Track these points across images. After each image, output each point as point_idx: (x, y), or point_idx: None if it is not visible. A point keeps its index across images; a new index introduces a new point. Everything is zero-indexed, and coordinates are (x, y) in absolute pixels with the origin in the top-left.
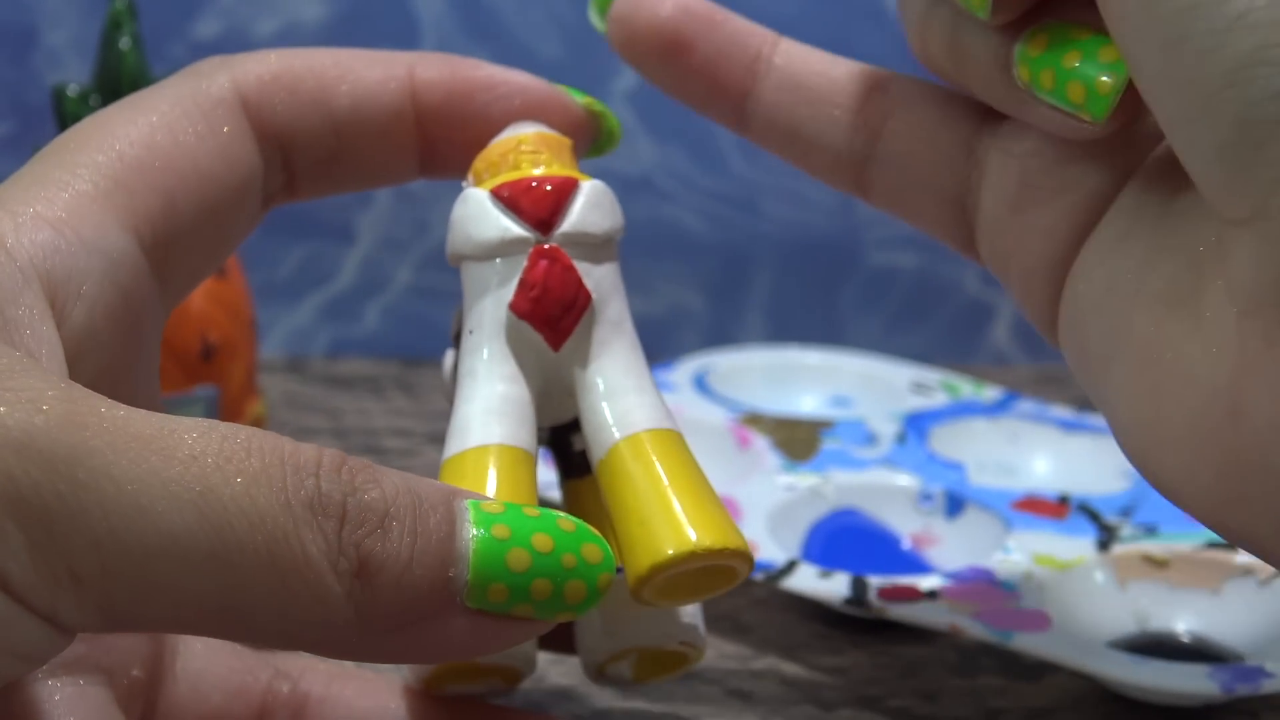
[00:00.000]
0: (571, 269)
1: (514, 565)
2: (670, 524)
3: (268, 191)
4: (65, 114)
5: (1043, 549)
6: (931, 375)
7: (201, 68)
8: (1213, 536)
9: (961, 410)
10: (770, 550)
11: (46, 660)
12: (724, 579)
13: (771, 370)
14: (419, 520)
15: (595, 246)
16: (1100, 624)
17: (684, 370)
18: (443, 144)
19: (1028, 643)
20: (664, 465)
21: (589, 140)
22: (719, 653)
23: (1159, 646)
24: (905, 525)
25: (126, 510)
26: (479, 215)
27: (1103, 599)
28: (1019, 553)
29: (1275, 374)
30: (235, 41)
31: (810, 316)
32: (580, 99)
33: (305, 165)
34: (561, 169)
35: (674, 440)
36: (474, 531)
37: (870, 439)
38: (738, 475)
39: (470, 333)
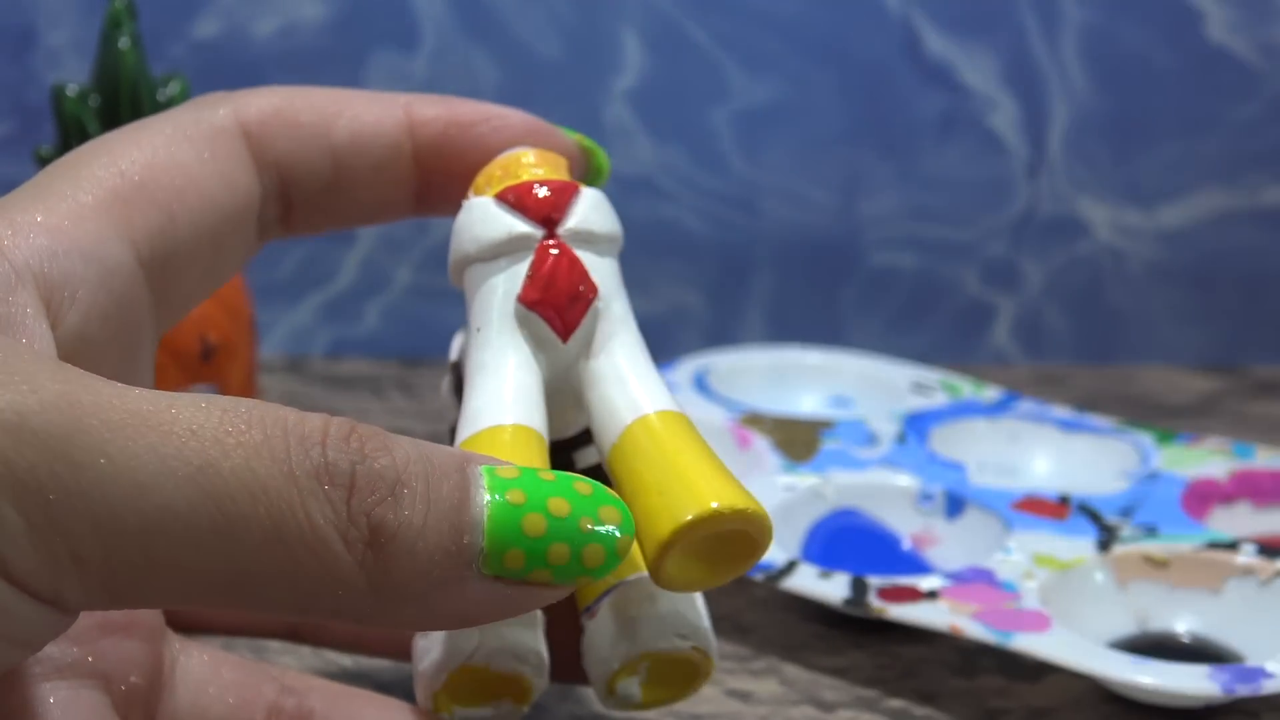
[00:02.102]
0: (577, 261)
1: (530, 531)
2: (689, 489)
3: (264, 221)
4: (64, 114)
5: (1043, 549)
6: (931, 375)
7: (204, 100)
8: (1213, 537)
9: (961, 410)
10: (770, 551)
11: (49, 641)
12: (740, 557)
13: (771, 370)
14: (432, 487)
15: (598, 245)
16: (1100, 624)
17: (684, 370)
18: (439, 178)
19: (1028, 643)
20: (678, 441)
21: (579, 175)
22: (719, 653)
23: (1159, 647)
24: (905, 525)
25: (125, 488)
26: (484, 218)
27: (1103, 599)
28: (1019, 553)
29: None
30: (235, 41)
31: (810, 316)
32: (571, 135)
33: (303, 196)
34: (560, 178)
35: (684, 421)
36: (488, 497)
37: (870, 439)
38: (737, 475)
39: (478, 330)
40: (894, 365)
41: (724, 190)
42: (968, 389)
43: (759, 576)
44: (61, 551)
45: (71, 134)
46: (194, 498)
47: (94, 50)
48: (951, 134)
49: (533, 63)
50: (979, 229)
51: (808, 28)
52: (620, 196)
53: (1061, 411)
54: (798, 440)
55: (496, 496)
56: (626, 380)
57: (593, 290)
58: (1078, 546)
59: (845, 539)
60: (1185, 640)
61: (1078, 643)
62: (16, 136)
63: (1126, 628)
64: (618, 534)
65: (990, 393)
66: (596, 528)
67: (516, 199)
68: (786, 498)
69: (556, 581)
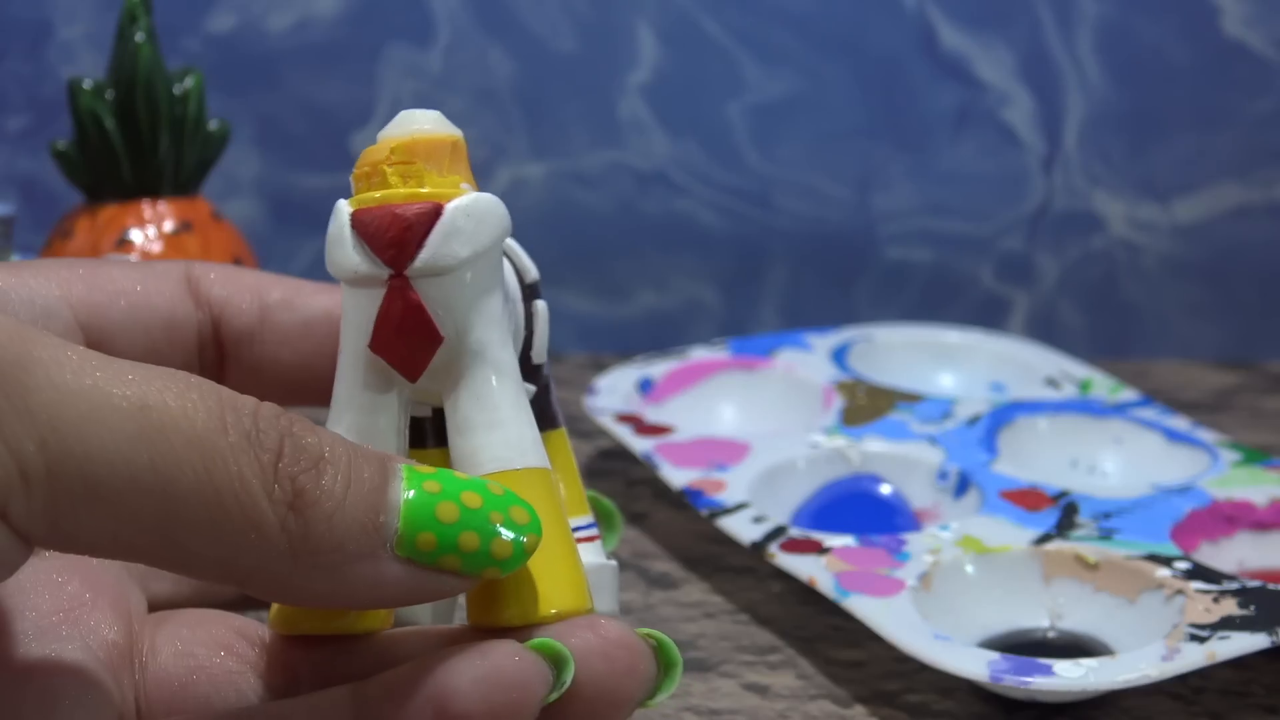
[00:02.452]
0: (420, 309)
1: (443, 517)
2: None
3: (204, 360)
4: (80, 108)
5: (974, 532)
6: (1078, 370)
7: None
8: (1156, 549)
9: (1070, 406)
10: (739, 494)
11: (10, 571)
12: None
13: (925, 348)
14: (354, 469)
15: (454, 276)
16: (1005, 613)
17: (831, 339)
18: None
19: (857, 604)
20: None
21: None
22: (736, 645)
23: (1041, 644)
24: (919, 499)
25: (70, 414)
26: (339, 240)
27: (1022, 590)
28: (952, 532)
29: None
30: (249, 35)
31: (825, 310)
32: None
33: (232, 340)
34: (437, 185)
35: (523, 480)
36: (406, 486)
37: (943, 416)
38: (785, 429)
39: (341, 352)
40: (1047, 355)
41: (738, 184)
42: (1101, 388)
43: (704, 511)
44: (10, 465)
45: (87, 127)
46: (133, 432)
47: (109, 44)
48: (966, 128)
49: (547, 57)
50: (994, 223)
51: (822, 22)
52: (635, 190)
53: (1177, 422)
54: (868, 407)
55: (413, 488)
56: (465, 430)
57: (437, 338)
58: (1015, 535)
59: (852, 503)
60: (1050, 635)
61: (895, 612)
62: (33, 130)
63: (1034, 620)
64: (526, 533)
65: (1126, 394)
66: (506, 522)
67: (364, 229)
68: (805, 454)
69: (465, 570)
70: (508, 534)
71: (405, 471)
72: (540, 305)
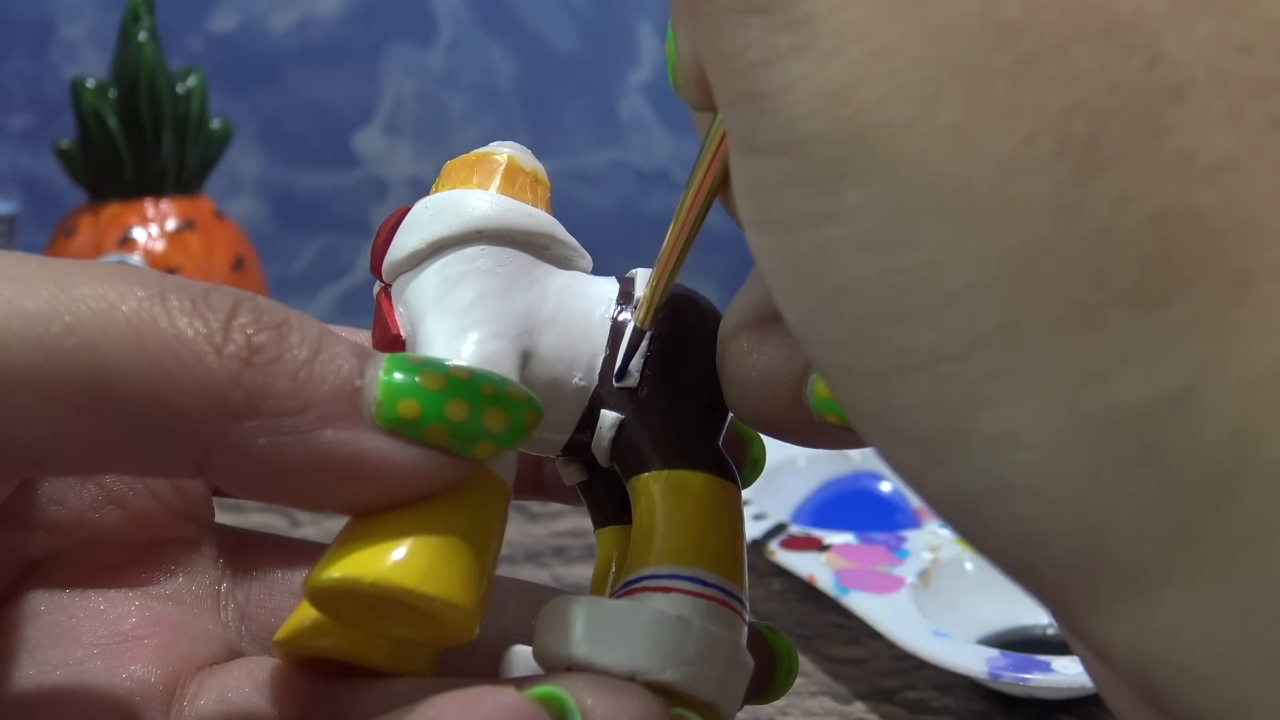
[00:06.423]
0: (383, 315)
1: (427, 384)
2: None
3: None
4: (83, 107)
5: None
6: None
7: None
8: None
9: None
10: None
11: None
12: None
13: None
14: (324, 340)
15: (411, 269)
16: (1010, 611)
17: None
18: None
19: (856, 601)
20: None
21: None
22: None
23: (1039, 642)
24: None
25: None
26: None
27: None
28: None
29: None
30: (252, 34)
31: None
32: None
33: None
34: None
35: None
36: (387, 365)
37: None
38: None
39: None
40: None
41: None
42: None
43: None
44: None
45: (90, 126)
46: (45, 305)
47: (112, 44)
48: None
49: (549, 56)
50: None
51: None
52: (637, 189)
53: None
54: None
55: (394, 363)
56: None
57: (399, 343)
58: None
59: (852, 501)
60: (1048, 633)
61: (895, 609)
62: (36, 129)
63: (1033, 618)
64: (525, 409)
65: None
66: (500, 395)
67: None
68: (806, 451)
69: (456, 444)
70: (503, 403)
71: (384, 357)
72: (628, 319)
